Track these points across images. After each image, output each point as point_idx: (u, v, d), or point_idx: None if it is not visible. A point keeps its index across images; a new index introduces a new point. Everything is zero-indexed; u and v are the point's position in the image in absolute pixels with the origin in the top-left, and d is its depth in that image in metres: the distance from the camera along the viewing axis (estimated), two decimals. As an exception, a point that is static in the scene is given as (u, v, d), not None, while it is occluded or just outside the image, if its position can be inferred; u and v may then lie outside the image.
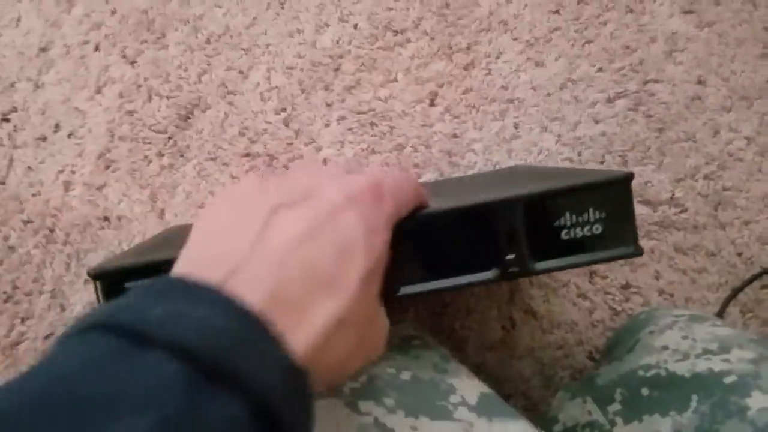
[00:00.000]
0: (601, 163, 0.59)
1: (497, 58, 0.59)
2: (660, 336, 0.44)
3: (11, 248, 0.56)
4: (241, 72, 0.58)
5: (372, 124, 0.58)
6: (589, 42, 0.59)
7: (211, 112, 0.58)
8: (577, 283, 0.58)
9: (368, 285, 0.26)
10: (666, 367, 0.39)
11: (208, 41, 0.59)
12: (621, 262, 0.58)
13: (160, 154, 0.58)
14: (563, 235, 0.34)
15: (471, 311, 0.58)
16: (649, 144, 0.59)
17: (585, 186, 0.34)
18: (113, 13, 0.58)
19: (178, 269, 0.24)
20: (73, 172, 0.57)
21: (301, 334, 0.23)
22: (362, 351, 0.27)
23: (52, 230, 0.56)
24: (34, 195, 0.57)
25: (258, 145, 0.58)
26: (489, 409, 0.34)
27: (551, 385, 0.58)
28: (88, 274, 0.32)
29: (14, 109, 0.57)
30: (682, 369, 0.38)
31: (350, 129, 0.58)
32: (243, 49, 0.59)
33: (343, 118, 0.58)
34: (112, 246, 0.56)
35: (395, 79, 0.59)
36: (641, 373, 0.40)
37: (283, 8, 0.59)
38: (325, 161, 0.58)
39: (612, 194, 0.34)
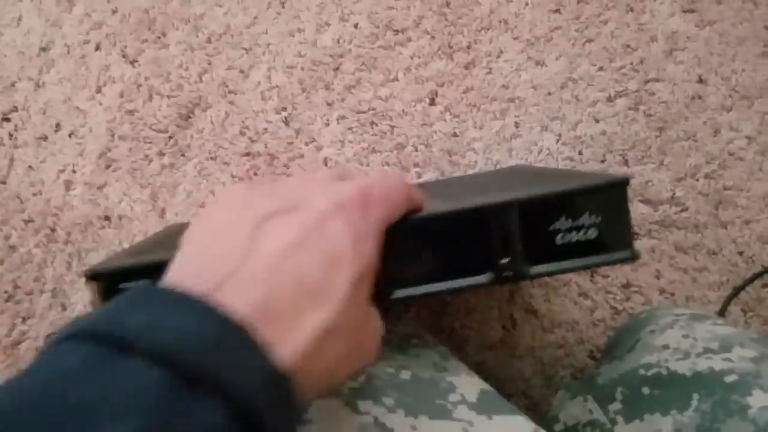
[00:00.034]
0: (602, 162, 0.59)
1: (498, 57, 0.59)
2: (661, 335, 0.44)
3: (12, 247, 0.56)
4: (241, 71, 0.59)
5: (372, 123, 0.58)
6: (589, 41, 0.59)
7: (212, 112, 0.58)
8: (578, 282, 0.58)
9: (358, 291, 0.26)
10: (667, 366, 0.39)
11: (208, 40, 0.59)
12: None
13: (161, 154, 0.58)
14: (558, 239, 0.33)
15: (471, 310, 0.58)
16: (650, 143, 0.59)
17: (580, 190, 0.33)
18: (114, 12, 0.58)
19: (168, 279, 0.24)
20: (74, 172, 0.57)
21: (289, 342, 0.23)
22: (354, 357, 0.28)
23: (53, 229, 0.56)
24: (35, 194, 0.57)
25: (258, 145, 0.58)
26: (489, 406, 0.34)
27: (552, 385, 0.58)
28: (84, 274, 0.32)
29: (15, 109, 0.58)
30: (683, 368, 0.38)
31: (350, 128, 0.58)
32: (244, 49, 0.59)
33: (343, 117, 0.58)
34: (113, 245, 0.56)
35: (396, 78, 0.59)
36: (642, 372, 0.40)
37: (283, 7, 0.59)
38: (325, 161, 0.58)
39: (607, 199, 0.34)
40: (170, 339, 0.19)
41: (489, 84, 0.59)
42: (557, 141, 0.59)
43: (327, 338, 0.24)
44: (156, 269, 0.26)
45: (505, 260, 0.33)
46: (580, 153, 0.59)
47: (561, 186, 0.34)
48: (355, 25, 0.59)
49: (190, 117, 0.58)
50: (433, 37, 0.59)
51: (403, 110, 0.58)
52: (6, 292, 0.55)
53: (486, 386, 0.36)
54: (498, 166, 0.58)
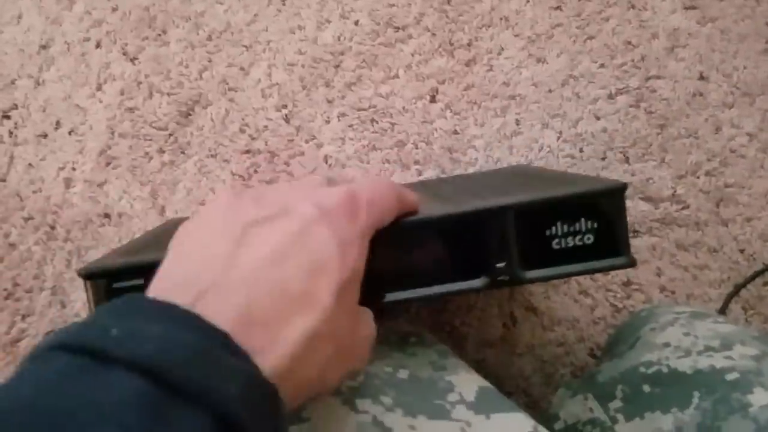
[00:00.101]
0: (603, 159, 0.58)
1: (498, 54, 0.59)
2: (661, 333, 0.44)
3: (12, 245, 0.56)
4: (242, 68, 0.58)
5: (373, 120, 0.58)
6: (590, 38, 0.59)
7: (212, 109, 0.58)
8: (578, 280, 0.58)
9: (344, 297, 0.26)
10: (668, 363, 0.39)
11: (209, 38, 0.58)
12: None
13: (161, 151, 0.58)
14: (554, 244, 0.33)
15: (471, 308, 0.58)
16: (651, 140, 0.59)
17: (577, 196, 0.33)
18: (114, 10, 0.58)
19: (152, 288, 0.25)
20: (74, 169, 0.57)
21: (274, 350, 0.23)
22: (345, 360, 0.28)
23: (52, 227, 0.56)
24: (34, 192, 0.57)
25: (259, 142, 0.58)
26: (487, 405, 0.33)
27: (552, 383, 0.58)
28: (78, 273, 0.32)
29: (15, 107, 0.58)
30: (683, 366, 0.38)
31: (351, 126, 0.58)
32: (244, 46, 0.59)
33: (343, 114, 0.58)
34: (113, 243, 0.56)
35: (396, 76, 0.59)
36: (643, 369, 0.40)
37: (284, 5, 0.59)
38: (326, 158, 0.58)
39: (605, 205, 0.33)
40: (151, 349, 0.19)
41: (490, 81, 0.59)
42: (558, 138, 0.58)
43: (314, 344, 0.24)
44: (150, 269, 0.26)
45: (500, 264, 0.33)
46: (580, 150, 0.58)
47: (558, 191, 0.34)
48: (356, 23, 0.59)
49: (190, 114, 0.58)
50: (433, 35, 0.59)
51: (403, 107, 0.58)
52: (5, 289, 0.55)
53: (485, 383, 0.36)
54: (498, 164, 0.58)
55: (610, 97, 0.59)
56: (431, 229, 0.33)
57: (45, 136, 0.57)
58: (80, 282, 0.55)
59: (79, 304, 0.56)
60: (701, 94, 0.59)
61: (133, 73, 0.58)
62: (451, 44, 0.59)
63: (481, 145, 0.58)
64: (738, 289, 0.58)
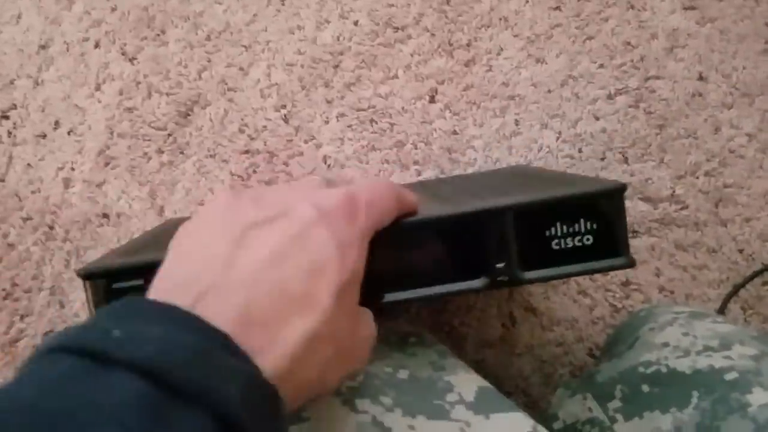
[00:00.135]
0: (602, 159, 0.58)
1: (498, 54, 0.59)
2: (660, 333, 0.44)
3: (11, 245, 0.56)
4: (241, 69, 0.58)
5: (372, 120, 0.58)
6: (589, 38, 0.59)
7: (211, 109, 0.58)
8: (577, 280, 0.58)
9: (343, 299, 0.26)
10: (666, 363, 0.39)
11: (208, 38, 0.58)
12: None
13: (160, 151, 0.58)
14: (554, 245, 0.33)
15: (470, 308, 0.58)
16: (650, 141, 0.59)
17: (576, 196, 0.33)
18: (113, 10, 0.58)
19: (152, 289, 0.25)
20: (73, 169, 0.57)
21: (274, 351, 0.23)
22: (345, 361, 0.28)
23: (51, 227, 0.56)
24: (33, 192, 0.57)
25: (258, 142, 0.58)
26: (486, 405, 0.33)
27: (551, 383, 0.58)
28: (77, 273, 0.32)
29: (14, 106, 0.57)
30: (682, 365, 0.38)
31: (350, 126, 0.58)
32: (243, 46, 0.59)
33: (343, 115, 0.58)
34: (112, 243, 0.56)
35: (395, 76, 0.59)
36: (641, 369, 0.40)
37: (283, 5, 0.59)
38: (324, 159, 0.58)
39: (604, 205, 0.33)
40: (151, 350, 0.19)
41: (489, 81, 0.59)
42: (557, 139, 0.59)
43: (313, 345, 0.25)
44: (149, 269, 0.26)
45: (500, 265, 0.33)
46: (580, 151, 0.59)
47: (557, 192, 0.34)
48: (355, 23, 0.59)
49: (189, 114, 0.58)
50: (433, 35, 0.59)
51: (402, 108, 0.58)
52: (4, 289, 0.55)
53: (484, 383, 0.36)
54: (498, 164, 0.58)
55: (610, 97, 0.59)
56: (431, 229, 0.33)
57: (44, 136, 0.57)
58: (79, 282, 0.55)
59: (77, 304, 0.56)
60: (700, 95, 0.59)
61: (132, 73, 0.58)
62: (451, 44, 0.59)
63: (480, 145, 0.58)
64: (737, 289, 0.58)
